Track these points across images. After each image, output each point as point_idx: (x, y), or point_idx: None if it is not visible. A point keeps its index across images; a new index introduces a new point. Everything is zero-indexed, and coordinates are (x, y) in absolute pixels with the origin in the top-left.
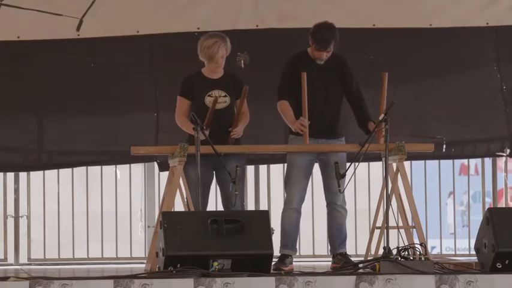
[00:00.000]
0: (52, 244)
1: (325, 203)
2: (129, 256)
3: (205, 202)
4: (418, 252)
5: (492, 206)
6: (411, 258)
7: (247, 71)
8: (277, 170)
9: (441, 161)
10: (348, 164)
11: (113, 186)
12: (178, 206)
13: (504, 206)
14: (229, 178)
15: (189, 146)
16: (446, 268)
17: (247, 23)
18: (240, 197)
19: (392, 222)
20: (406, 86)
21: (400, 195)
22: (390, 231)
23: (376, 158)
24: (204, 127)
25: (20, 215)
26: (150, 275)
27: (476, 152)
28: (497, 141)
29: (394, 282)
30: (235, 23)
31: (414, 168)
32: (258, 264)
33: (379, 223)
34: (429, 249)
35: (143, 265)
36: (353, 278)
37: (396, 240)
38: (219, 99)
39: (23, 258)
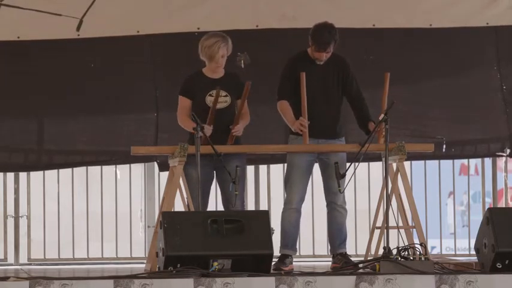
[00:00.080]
0: (52, 244)
1: (325, 203)
2: (129, 256)
3: (205, 202)
4: (418, 252)
5: (492, 206)
6: (411, 258)
7: (247, 71)
8: (277, 170)
9: (441, 161)
10: (348, 164)
11: (113, 186)
12: (178, 206)
13: (504, 206)
14: (229, 178)
15: (189, 146)
16: (446, 268)
17: (247, 23)
18: (240, 197)
19: (392, 222)
20: (406, 86)
21: (400, 195)
22: (390, 231)
23: (376, 158)
24: (206, 126)
25: (20, 215)
26: (150, 275)
27: (476, 152)
28: (497, 141)
29: (394, 282)
30: (235, 23)
31: (414, 168)
32: (258, 264)
33: (379, 223)
34: (429, 249)
35: (143, 265)
36: (353, 278)
37: (396, 240)
38: (219, 98)
39: (23, 258)
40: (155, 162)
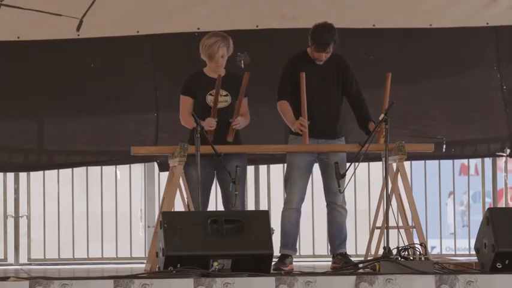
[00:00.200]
0: (52, 244)
1: (325, 203)
2: (129, 256)
3: (205, 202)
4: (418, 252)
5: (492, 206)
6: (411, 258)
7: (247, 71)
8: (277, 170)
9: (441, 161)
10: (348, 164)
11: (113, 186)
12: (178, 206)
13: (504, 206)
14: (229, 178)
15: (189, 146)
16: (446, 268)
17: (247, 23)
18: (240, 197)
19: (392, 222)
20: (406, 86)
21: (400, 195)
22: (390, 231)
23: (376, 158)
24: (211, 118)
25: (20, 215)
26: (150, 275)
27: (476, 152)
28: (497, 141)
29: (394, 282)
30: (235, 23)
31: (414, 168)
32: (258, 264)
33: (379, 223)
34: (429, 249)
35: (143, 265)
36: (353, 278)
37: (396, 240)
38: (220, 98)
39: (23, 258)
40: (155, 162)
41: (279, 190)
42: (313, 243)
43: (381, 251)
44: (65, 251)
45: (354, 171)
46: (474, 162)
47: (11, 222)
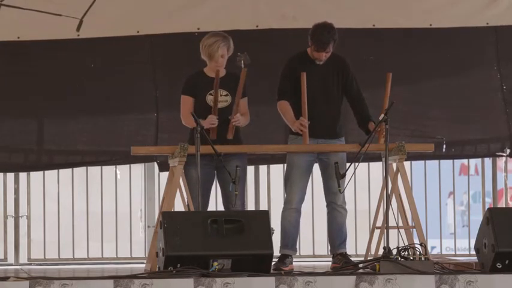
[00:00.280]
0: (52, 244)
1: (325, 203)
2: (129, 256)
3: (205, 202)
4: (418, 252)
5: (492, 206)
6: (411, 258)
7: (248, 71)
8: (277, 170)
9: (441, 161)
10: (348, 164)
11: (113, 186)
12: (178, 206)
13: (504, 206)
14: (229, 178)
15: (189, 146)
16: (446, 268)
17: (247, 23)
18: (241, 197)
19: (392, 222)
20: (406, 86)
21: (400, 195)
22: (390, 231)
23: (376, 158)
24: (212, 116)
25: (20, 215)
26: (150, 275)
27: (476, 152)
28: (497, 141)
29: (394, 282)
30: (235, 23)
31: (414, 168)
32: (258, 264)
33: (379, 223)
34: (429, 249)
35: (143, 265)
36: (353, 278)
37: (396, 240)
38: (220, 97)
39: (23, 258)
40: (155, 163)
41: (279, 190)
42: (313, 243)
43: (381, 251)
44: (65, 251)
45: (354, 171)
46: (474, 162)
47: (11, 222)
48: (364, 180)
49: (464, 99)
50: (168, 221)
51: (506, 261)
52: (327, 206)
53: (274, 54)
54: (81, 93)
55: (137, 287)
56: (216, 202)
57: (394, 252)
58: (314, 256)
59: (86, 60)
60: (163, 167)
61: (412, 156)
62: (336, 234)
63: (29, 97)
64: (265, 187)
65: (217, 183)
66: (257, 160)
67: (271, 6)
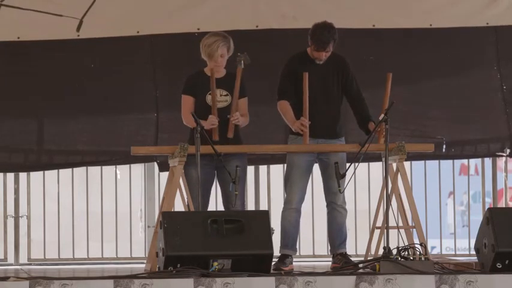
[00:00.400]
0: (52, 244)
1: (325, 203)
2: (129, 256)
3: (205, 202)
4: (418, 252)
5: (492, 206)
6: (411, 258)
7: (247, 71)
8: (277, 170)
9: (441, 161)
10: (348, 164)
11: (113, 186)
12: (178, 206)
13: (504, 206)
14: (229, 178)
15: (189, 146)
16: (446, 268)
17: (247, 24)
18: (241, 197)
19: (392, 222)
20: (406, 86)
21: (400, 195)
22: (390, 231)
23: (376, 158)
24: (212, 116)
25: (20, 215)
26: (150, 275)
27: (476, 152)
28: (497, 141)
29: (394, 282)
30: (235, 24)
31: (414, 168)
32: (258, 264)
33: (379, 223)
34: (429, 249)
35: (143, 265)
36: (353, 278)
37: (396, 240)
38: (220, 97)
39: (23, 258)
40: (155, 162)
41: (279, 190)
42: (313, 243)
43: (381, 251)
44: (65, 251)
45: (354, 171)
46: (474, 162)
47: (11, 222)
48: (364, 180)
49: (464, 99)
50: (168, 221)
51: (506, 261)
52: (327, 206)
53: (274, 54)
54: (81, 93)
55: (137, 287)
56: (216, 202)
57: (394, 252)
58: (314, 256)
59: (86, 60)
60: (163, 167)
61: (412, 156)
62: (336, 234)
63: (29, 97)
64: (265, 187)
65: (217, 183)
66: (257, 160)
67: (271, 6)
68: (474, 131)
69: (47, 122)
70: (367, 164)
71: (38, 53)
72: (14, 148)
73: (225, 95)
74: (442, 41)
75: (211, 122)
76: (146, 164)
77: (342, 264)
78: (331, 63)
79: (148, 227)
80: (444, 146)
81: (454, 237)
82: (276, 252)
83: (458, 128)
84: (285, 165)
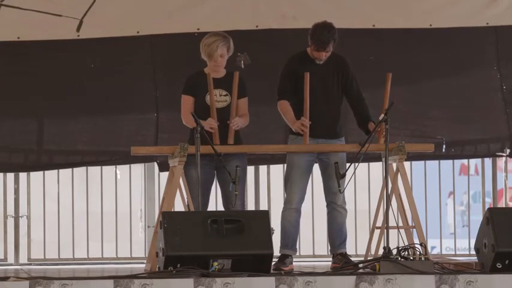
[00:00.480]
0: (52, 244)
1: (325, 203)
2: (129, 256)
3: (205, 202)
4: (418, 252)
5: (492, 206)
6: (411, 258)
7: (248, 71)
8: (277, 170)
9: (441, 161)
10: (348, 164)
11: (113, 186)
12: (178, 206)
13: (504, 206)
14: (229, 178)
15: (189, 146)
16: (446, 268)
17: (247, 24)
18: (240, 197)
19: (392, 222)
20: (406, 86)
21: (400, 195)
22: (390, 231)
23: (376, 158)
24: (210, 119)
25: (20, 215)
26: (150, 275)
27: (476, 152)
28: (497, 141)
29: (394, 282)
30: (235, 24)
31: (414, 168)
32: (258, 264)
33: (379, 223)
34: (429, 249)
35: (143, 265)
36: (353, 278)
37: (396, 240)
38: (219, 98)
39: (23, 258)
40: (155, 162)
41: (279, 190)
42: (313, 243)
43: (381, 251)
44: (65, 251)
45: (354, 171)
46: (474, 162)
47: (11, 222)
48: (364, 180)
49: (464, 99)
50: (168, 221)
51: (506, 261)
52: (327, 206)
53: (274, 54)
54: (81, 93)
55: (137, 287)
56: (216, 202)
57: (394, 252)
58: (314, 256)
59: (86, 60)
60: (163, 167)
61: (412, 156)
62: (336, 234)
63: (29, 97)
64: (265, 187)
65: (217, 183)
66: (257, 160)
67: (271, 6)
68: (474, 131)
69: (47, 122)
70: (367, 164)
71: (38, 53)
72: (14, 148)
73: (224, 95)
74: (442, 41)
75: (210, 125)
76: (146, 164)
77: (342, 264)
78: (331, 63)
79: (148, 227)
80: (444, 146)
81: (454, 237)
82: (276, 252)
83: (458, 128)
84: (285, 165)
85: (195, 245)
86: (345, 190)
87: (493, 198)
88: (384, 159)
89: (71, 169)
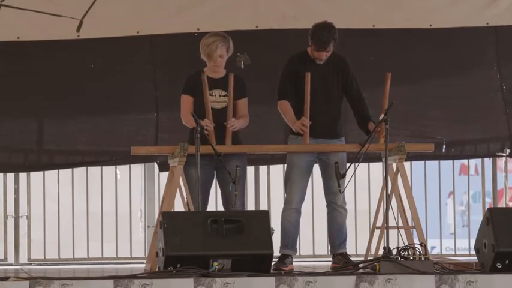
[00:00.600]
0: (52, 244)
1: (325, 203)
2: (129, 256)
3: (205, 202)
4: (418, 252)
5: (492, 206)
6: (411, 258)
7: (248, 71)
8: (277, 171)
9: (441, 161)
10: (348, 164)
11: (113, 186)
12: (178, 206)
13: (504, 206)
14: (229, 178)
15: (189, 146)
16: (446, 268)
17: (247, 24)
18: (240, 197)
19: (392, 222)
20: (406, 86)
21: (400, 195)
22: (390, 231)
23: (376, 158)
24: (206, 120)
25: (20, 215)
26: (150, 275)
27: (476, 152)
28: (497, 141)
29: (394, 282)
30: (235, 24)
31: (414, 168)
32: (258, 264)
33: (379, 223)
34: (429, 249)
35: (143, 265)
36: (353, 278)
37: (396, 240)
38: (219, 98)
39: (23, 258)
40: (155, 163)
41: (279, 190)
42: (313, 243)
43: (381, 251)
44: (65, 251)
45: (354, 171)
46: (474, 162)
47: (11, 222)
48: (364, 180)
49: (464, 99)
50: (168, 221)
51: (506, 261)
52: (327, 206)
53: (274, 54)
54: (81, 93)
55: (137, 287)
56: (216, 202)
57: (394, 252)
58: (314, 256)
59: (86, 60)
60: (163, 167)
61: (412, 157)
62: (336, 234)
63: (29, 97)
64: (265, 187)
65: (217, 183)
66: (257, 160)
67: (271, 7)
68: (474, 131)
69: (47, 122)
70: (367, 164)
71: (38, 53)
72: (14, 148)
73: (224, 96)
74: (442, 41)
75: (205, 125)
76: (146, 164)
77: (342, 264)
78: (331, 63)
79: (148, 227)
80: (444, 146)
81: (454, 237)
82: (276, 252)
83: (458, 128)
84: (285, 165)
85: (195, 245)
86: (345, 190)
87: (493, 198)
88: (383, 159)
89: (71, 169)
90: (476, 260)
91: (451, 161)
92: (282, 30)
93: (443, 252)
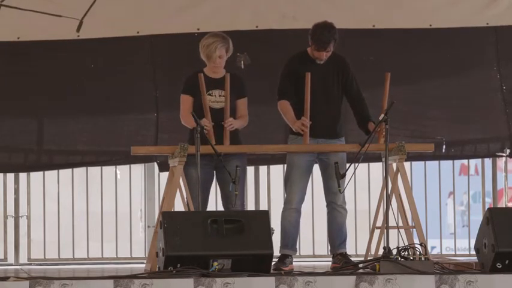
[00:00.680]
0: (52, 244)
1: (325, 203)
2: (129, 256)
3: (205, 202)
4: (418, 252)
5: (492, 206)
6: (411, 258)
7: (247, 71)
8: (277, 171)
9: (441, 161)
10: (348, 164)
11: (113, 186)
12: (178, 206)
13: (504, 206)
14: (229, 178)
15: (189, 146)
16: (446, 268)
17: (247, 24)
18: (240, 197)
19: (392, 222)
20: (406, 86)
21: (400, 195)
22: (390, 231)
23: (376, 158)
24: (205, 119)
25: (20, 215)
26: (150, 275)
27: (476, 152)
28: (497, 141)
29: (394, 282)
30: (235, 24)
31: (414, 168)
32: (258, 264)
33: (379, 223)
34: (429, 249)
35: (143, 265)
36: (353, 278)
37: (396, 240)
38: (218, 98)
39: (23, 258)
40: (155, 163)
41: (279, 190)
42: (313, 243)
43: (381, 251)
44: (65, 251)
45: (354, 171)
46: (474, 162)
47: (11, 222)
48: (364, 180)
49: (464, 99)
50: (168, 221)
51: (506, 261)
52: (327, 206)
53: (274, 54)
54: (81, 94)
55: (137, 287)
56: (216, 202)
57: (394, 252)
58: (314, 256)
59: (86, 60)
60: (163, 167)
61: (412, 157)
62: (336, 234)
63: (29, 97)
64: (265, 187)
65: (217, 183)
66: (257, 160)
67: (271, 7)
68: (474, 131)
69: (47, 122)
70: (367, 164)
71: (38, 53)
72: (14, 148)
73: (223, 96)
74: (442, 41)
75: (204, 125)
76: (146, 164)
77: (342, 264)
78: (332, 63)
79: (148, 227)
80: (444, 146)
81: (454, 237)
82: (276, 252)
83: (458, 128)
84: (285, 165)
85: (195, 245)
86: (345, 190)
87: (493, 198)
88: (384, 159)
89: (71, 169)
90: (476, 260)
91: (451, 161)
92: (282, 30)
93: (443, 252)
